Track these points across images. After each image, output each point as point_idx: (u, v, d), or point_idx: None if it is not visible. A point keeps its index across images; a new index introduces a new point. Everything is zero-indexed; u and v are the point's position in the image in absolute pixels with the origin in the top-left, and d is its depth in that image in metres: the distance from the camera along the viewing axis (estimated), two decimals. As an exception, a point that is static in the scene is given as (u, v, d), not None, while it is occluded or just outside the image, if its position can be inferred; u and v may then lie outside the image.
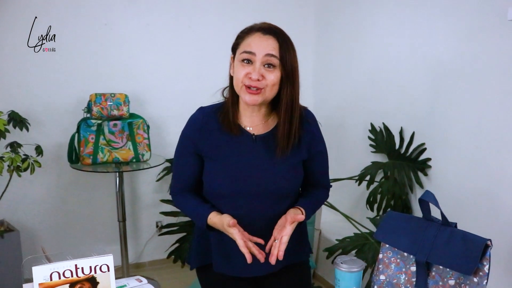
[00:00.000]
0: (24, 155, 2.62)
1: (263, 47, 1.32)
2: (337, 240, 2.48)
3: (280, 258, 1.30)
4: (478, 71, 2.15)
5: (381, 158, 2.87)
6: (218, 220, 1.38)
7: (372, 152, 2.91)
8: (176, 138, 3.30)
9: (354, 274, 1.28)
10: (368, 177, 2.76)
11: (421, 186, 2.57)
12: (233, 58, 1.42)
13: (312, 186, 1.57)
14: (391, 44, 2.75)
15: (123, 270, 3.10)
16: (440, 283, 1.13)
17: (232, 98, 1.43)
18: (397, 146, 2.71)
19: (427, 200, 1.16)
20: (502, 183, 2.06)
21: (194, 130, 1.46)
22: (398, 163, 2.68)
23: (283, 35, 1.36)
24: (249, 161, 1.41)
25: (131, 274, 3.22)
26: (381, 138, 2.83)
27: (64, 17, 2.96)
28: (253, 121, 1.45)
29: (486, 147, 2.14)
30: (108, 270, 1.11)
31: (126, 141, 2.87)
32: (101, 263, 1.09)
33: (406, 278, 1.19)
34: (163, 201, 2.87)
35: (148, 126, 2.97)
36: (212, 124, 1.44)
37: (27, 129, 2.76)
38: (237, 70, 1.37)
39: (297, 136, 1.43)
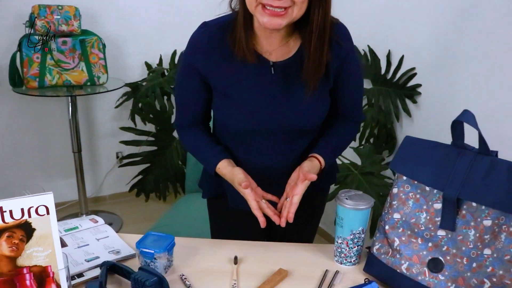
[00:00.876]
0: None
1: None
2: (318, 172, 2.29)
3: (290, 220, 1.12)
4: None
5: (365, 84, 2.63)
6: (229, 173, 1.19)
7: (355, 77, 2.67)
8: (138, 60, 3.04)
9: (361, 212, 1.06)
10: (350, 105, 2.54)
11: (409, 114, 2.37)
12: None
13: (339, 119, 1.31)
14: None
15: (81, 205, 2.84)
16: (472, 223, 0.91)
17: (244, 16, 1.10)
18: (383, 71, 2.48)
19: (464, 121, 0.91)
20: (501, 111, 1.86)
21: (198, 56, 1.15)
22: (384, 90, 2.47)
23: None
24: (265, 94, 1.15)
25: (90, 208, 2.96)
26: (366, 62, 2.58)
27: None
28: (271, 44, 1.14)
29: (485, 74, 1.91)
30: (48, 213, 0.82)
31: (78, 62, 2.51)
32: (38, 204, 0.81)
33: (428, 218, 0.97)
34: (123, 129, 2.57)
35: (104, 45, 2.59)
36: (220, 49, 1.14)
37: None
38: None
39: (325, 63, 1.14)
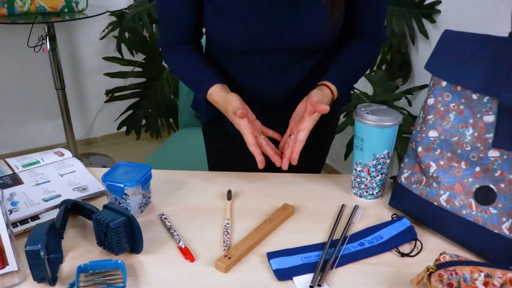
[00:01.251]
0: None
1: None
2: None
3: (294, 162, 0.92)
4: None
5: (376, 4, 2.37)
6: (222, 100, 0.98)
7: (365, -3, 2.40)
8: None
9: (386, 131, 0.84)
10: (360, 27, 2.30)
11: (426, 36, 2.14)
12: None
13: (355, 38, 1.06)
14: None
15: (70, 148, 2.63)
16: (536, 139, 0.70)
17: None
18: (396, -12, 2.21)
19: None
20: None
21: None
22: (397, 10, 2.24)
23: None
24: (266, 6, 0.95)
25: (81, 151, 2.77)
26: (377, -21, 2.30)
27: None
28: None
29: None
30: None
31: (52, -16, 2.22)
32: None
33: (476, 134, 0.75)
34: (106, 59, 2.32)
35: (80, -35, 2.29)
36: None
37: None
38: None
39: None
